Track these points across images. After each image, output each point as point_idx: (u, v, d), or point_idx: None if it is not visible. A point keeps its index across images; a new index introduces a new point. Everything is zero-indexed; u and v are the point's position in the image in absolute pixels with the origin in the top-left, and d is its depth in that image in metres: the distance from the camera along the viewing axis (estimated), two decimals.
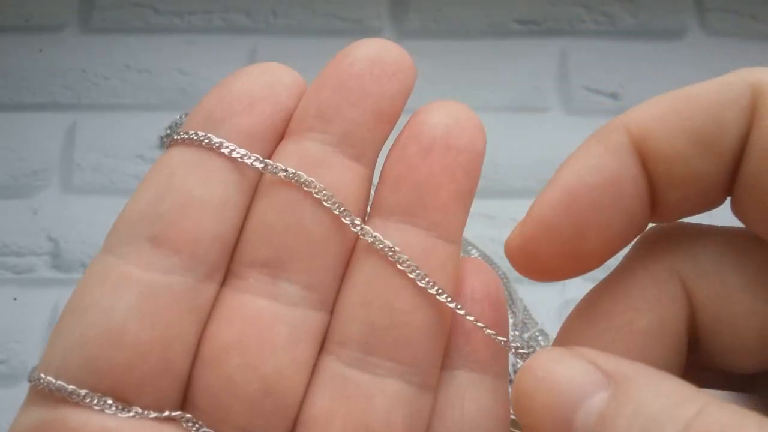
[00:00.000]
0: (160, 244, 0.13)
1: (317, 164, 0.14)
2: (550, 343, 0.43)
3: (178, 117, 0.50)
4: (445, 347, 0.14)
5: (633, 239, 0.14)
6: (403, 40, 0.52)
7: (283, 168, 0.14)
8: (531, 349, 0.43)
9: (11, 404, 0.47)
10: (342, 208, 0.14)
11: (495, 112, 0.49)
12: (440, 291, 0.14)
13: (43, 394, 0.13)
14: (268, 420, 0.13)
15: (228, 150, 0.14)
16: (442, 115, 0.15)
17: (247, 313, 0.13)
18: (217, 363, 0.13)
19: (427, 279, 0.14)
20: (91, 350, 0.13)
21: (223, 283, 0.14)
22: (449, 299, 0.14)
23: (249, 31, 0.53)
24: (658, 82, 0.50)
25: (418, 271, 0.14)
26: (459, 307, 0.14)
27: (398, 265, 0.14)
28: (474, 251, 0.45)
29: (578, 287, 0.47)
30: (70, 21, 0.53)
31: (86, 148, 0.49)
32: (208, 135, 0.14)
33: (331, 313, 0.14)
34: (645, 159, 0.13)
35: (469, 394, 0.14)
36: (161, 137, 0.49)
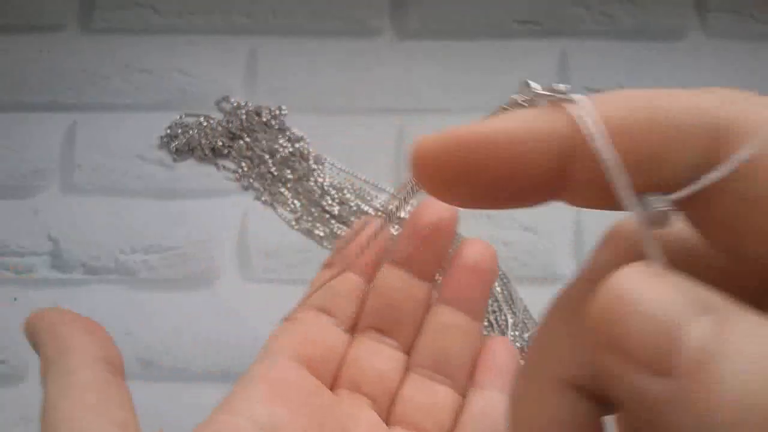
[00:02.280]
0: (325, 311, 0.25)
1: None
2: None
3: (178, 117, 0.50)
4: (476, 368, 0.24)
5: (527, 202, 0.14)
6: (403, 40, 0.52)
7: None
8: None
9: (11, 404, 0.48)
10: None
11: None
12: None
13: None
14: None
15: None
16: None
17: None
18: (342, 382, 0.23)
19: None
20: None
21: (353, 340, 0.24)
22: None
23: (249, 31, 0.53)
24: (658, 82, 0.50)
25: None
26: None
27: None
28: None
29: None
30: (70, 21, 0.53)
31: (86, 148, 0.49)
32: None
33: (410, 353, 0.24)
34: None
35: (497, 410, 0.23)
36: (161, 137, 0.49)
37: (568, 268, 0.45)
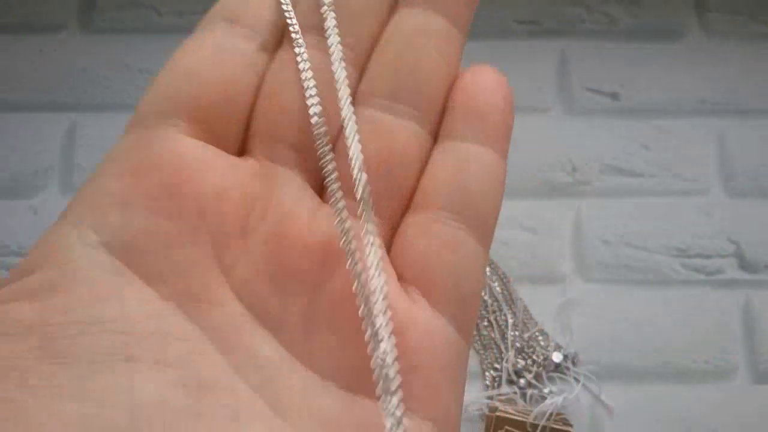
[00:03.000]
0: (234, 22, 0.17)
1: None
2: (551, 343, 0.43)
3: None
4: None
5: None
6: None
7: None
8: (531, 349, 0.43)
9: None
10: None
11: None
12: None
13: (139, 125, 0.16)
14: (310, 138, 0.16)
15: None
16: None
17: (300, 57, 0.17)
18: (273, 95, 0.16)
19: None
20: (173, 86, 0.16)
21: (281, 46, 0.17)
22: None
23: None
24: (658, 82, 0.50)
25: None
26: None
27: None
28: None
29: (578, 288, 0.47)
30: (70, 21, 0.53)
31: (86, 148, 0.49)
32: None
33: (363, 71, 0.17)
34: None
35: (473, 164, 0.16)
36: None
37: (568, 268, 0.45)
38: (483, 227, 0.16)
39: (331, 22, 0.17)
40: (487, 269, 0.45)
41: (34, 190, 0.48)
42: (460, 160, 0.16)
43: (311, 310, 0.15)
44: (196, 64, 0.16)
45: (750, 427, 0.43)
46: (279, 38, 0.17)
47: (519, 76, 0.50)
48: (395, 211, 0.16)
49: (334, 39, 0.17)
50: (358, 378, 0.14)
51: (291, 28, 0.17)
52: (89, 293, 0.14)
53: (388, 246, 0.16)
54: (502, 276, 0.45)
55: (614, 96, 0.50)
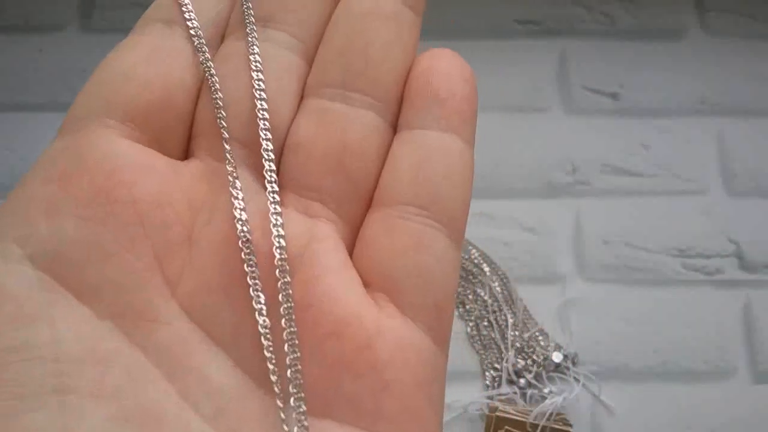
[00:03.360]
0: (171, 24, 0.16)
1: None
2: (551, 343, 0.43)
3: None
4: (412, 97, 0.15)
5: None
6: None
7: None
8: (531, 349, 0.43)
9: None
10: None
11: (495, 112, 0.49)
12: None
13: (71, 128, 0.15)
14: (257, 134, 0.15)
15: None
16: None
17: (244, 51, 0.15)
18: (217, 90, 0.15)
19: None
20: (108, 86, 0.15)
21: (222, 41, 0.16)
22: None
23: None
24: (658, 82, 0.50)
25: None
26: None
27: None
28: (474, 251, 0.45)
29: (578, 288, 0.47)
30: (70, 21, 0.53)
31: None
32: None
33: (311, 64, 0.16)
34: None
35: (436, 152, 0.15)
36: None
37: (568, 268, 0.45)
38: (453, 222, 0.14)
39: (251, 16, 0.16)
40: (487, 269, 0.45)
41: None
42: (423, 148, 0.15)
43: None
44: (133, 64, 0.15)
45: (750, 427, 0.43)
46: (218, 37, 0.16)
47: (519, 76, 0.50)
48: (355, 210, 0.15)
49: (274, 31, 0.15)
50: (325, 402, 0.13)
51: (246, 20, 0.15)
52: (13, 314, 0.12)
53: (350, 249, 0.14)
54: (502, 276, 0.45)
55: (614, 96, 0.50)
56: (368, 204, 0.15)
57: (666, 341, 0.44)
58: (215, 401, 0.12)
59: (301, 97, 0.15)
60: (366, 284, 0.14)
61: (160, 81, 0.15)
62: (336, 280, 0.13)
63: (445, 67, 0.15)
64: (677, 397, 0.43)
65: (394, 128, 0.15)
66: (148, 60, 0.15)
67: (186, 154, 0.15)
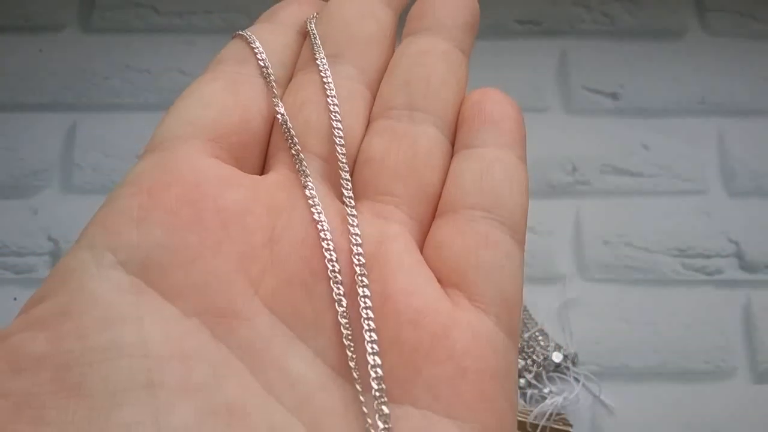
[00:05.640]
0: (244, 62, 0.18)
1: None
2: (551, 343, 0.43)
3: None
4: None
5: None
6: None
7: None
8: (531, 349, 0.43)
9: None
10: None
11: None
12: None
13: (156, 148, 0.16)
14: (333, 150, 0.16)
15: None
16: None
17: (316, 80, 0.17)
18: (295, 113, 0.17)
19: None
20: (190, 111, 0.16)
21: (294, 74, 0.18)
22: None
23: None
24: (658, 82, 0.50)
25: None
26: None
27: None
28: None
29: (579, 287, 0.47)
30: (70, 21, 0.53)
31: (86, 148, 0.49)
32: None
33: (375, 94, 0.18)
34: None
35: (496, 163, 0.16)
36: None
37: (568, 268, 0.45)
38: (515, 226, 0.15)
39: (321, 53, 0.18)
40: None
41: (34, 190, 0.48)
42: (483, 160, 0.16)
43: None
44: (212, 92, 0.17)
45: (750, 427, 0.43)
46: (288, 75, 0.18)
47: (519, 76, 0.50)
48: (425, 212, 0.16)
49: (343, 66, 0.17)
50: (404, 388, 0.13)
51: (315, 53, 0.17)
52: (104, 316, 0.13)
53: (421, 248, 0.15)
54: None
55: (614, 96, 0.50)
56: (435, 207, 0.16)
57: (666, 341, 0.44)
58: (298, 392, 0.13)
59: (368, 121, 0.17)
60: (439, 280, 0.15)
61: (237, 107, 0.16)
62: (411, 275, 0.14)
63: (495, 97, 0.17)
64: (677, 397, 0.43)
65: (452, 145, 0.17)
66: (225, 89, 0.17)
67: (262, 171, 0.17)
